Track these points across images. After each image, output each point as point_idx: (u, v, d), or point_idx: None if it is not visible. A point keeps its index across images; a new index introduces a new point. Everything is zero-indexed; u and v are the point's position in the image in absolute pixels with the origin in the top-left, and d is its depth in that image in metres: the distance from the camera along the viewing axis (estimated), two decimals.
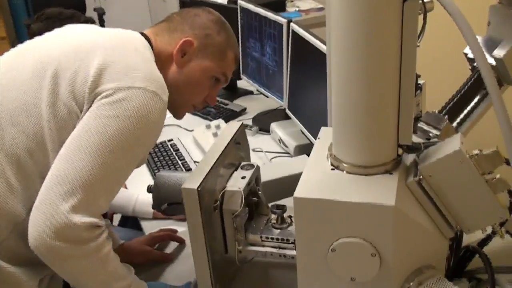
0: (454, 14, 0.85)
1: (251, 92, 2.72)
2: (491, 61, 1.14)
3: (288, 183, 1.69)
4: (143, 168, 2.01)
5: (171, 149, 2.12)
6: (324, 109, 1.75)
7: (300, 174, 1.71)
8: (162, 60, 1.28)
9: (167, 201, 1.25)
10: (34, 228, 1.03)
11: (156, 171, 1.96)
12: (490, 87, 0.89)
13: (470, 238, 1.18)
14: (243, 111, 2.52)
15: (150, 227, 1.69)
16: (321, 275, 1.05)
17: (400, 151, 1.05)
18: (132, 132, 1.10)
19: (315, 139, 1.88)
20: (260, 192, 1.28)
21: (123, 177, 1.15)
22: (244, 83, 2.66)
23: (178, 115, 1.38)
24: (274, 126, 2.22)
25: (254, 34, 2.31)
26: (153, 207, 1.29)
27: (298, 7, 3.82)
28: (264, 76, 2.34)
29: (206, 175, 1.11)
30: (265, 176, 1.64)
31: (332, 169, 1.06)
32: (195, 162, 2.03)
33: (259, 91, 2.51)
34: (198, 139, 2.19)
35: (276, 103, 2.36)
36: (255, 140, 2.24)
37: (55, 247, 1.03)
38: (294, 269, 1.07)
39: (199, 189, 1.08)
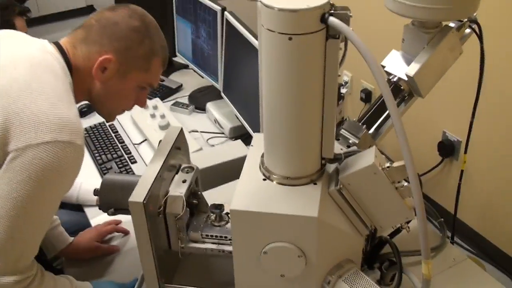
0: (358, 46, 0.95)
1: (186, 66, 2.78)
2: (404, 75, 1.28)
3: (225, 169, 1.83)
4: (84, 153, 2.07)
5: (110, 130, 2.19)
6: (257, 95, 1.86)
7: (236, 160, 1.85)
8: (81, 76, 1.25)
9: (113, 206, 1.35)
10: None
11: (96, 155, 2.04)
12: (390, 108, 0.98)
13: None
14: (179, 88, 2.60)
15: (93, 213, 1.78)
16: (255, 272, 1.19)
17: (323, 162, 1.19)
18: (48, 188, 1.11)
19: (247, 123, 2.01)
20: (200, 193, 1.39)
21: (46, 224, 1.18)
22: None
23: (108, 120, 1.41)
24: (209, 106, 2.32)
25: (189, 16, 2.37)
26: (100, 208, 1.38)
27: None
28: (200, 57, 2.42)
29: (151, 186, 1.21)
30: (203, 163, 1.76)
31: (264, 179, 1.19)
32: (134, 144, 2.12)
33: (194, 70, 2.58)
34: (136, 120, 2.27)
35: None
36: (191, 120, 2.34)
37: None
38: (231, 259, 1.21)
39: (144, 202, 1.17)
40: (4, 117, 1.07)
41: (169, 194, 1.28)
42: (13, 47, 1.21)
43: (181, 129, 1.42)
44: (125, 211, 1.31)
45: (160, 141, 1.38)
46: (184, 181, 1.32)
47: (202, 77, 2.48)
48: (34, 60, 1.17)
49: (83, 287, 1.33)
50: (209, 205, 1.36)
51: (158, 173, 1.24)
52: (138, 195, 1.18)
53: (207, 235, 1.32)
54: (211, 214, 1.34)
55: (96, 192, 1.39)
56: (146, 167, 1.28)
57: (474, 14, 1.28)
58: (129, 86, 1.30)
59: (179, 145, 1.40)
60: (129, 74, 1.28)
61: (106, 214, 1.72)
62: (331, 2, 1.00)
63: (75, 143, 1.11)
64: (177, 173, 1.36)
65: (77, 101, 1.26)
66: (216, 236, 1.31)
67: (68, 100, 1.15)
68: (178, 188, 1.30)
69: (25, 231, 1.11)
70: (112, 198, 1.35)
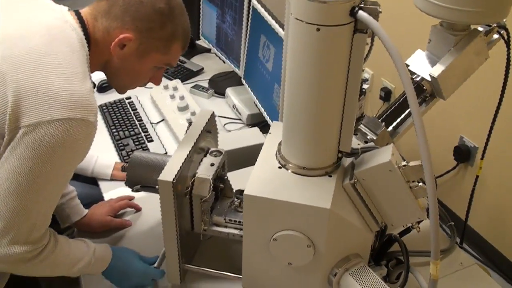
0: (385, 42, 0.95)
1: (208, 50, 2.79)
2: (428, 76, 1.27)
3: (240, 155, 1.84)
4: (102, 128, 2.09)
5: (129, 107, 2.21)
6: (277, 84, 1.87)
7: (251, 147, 1.86)
8: (99, 49, 1.24)
9: (140, 183, 1.36)
10: None
11: (114, 131, 2.05)
12: (412, 107, 0.97)
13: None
14: (200, 71, 2.61)
15: (107, 186, 1.81)
16: (263, 258, 1.21)
17: (340, 155, 1.20)
18: (59, 164, 1.11)
19: (266, 111, 2.02)
20: (226, 177, 1.40)
21: (58, 196, 1.19)
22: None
23: (119, 92, 1.40)
24: (229, 91, 2.33)
25: (215, 0, 2.37)
26: (126, 184, 1.39)
27: None
28: (223, 42, 2.42)
29: (181, 166, 1.21)
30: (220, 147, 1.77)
31: (279, 167, 1.20)
32: (151, 123, 2.14)
33: (216, 55, 2.58)
34: (155, 99, 2.28)
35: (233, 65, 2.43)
36: (210, 103, 2.35)
37: (4, 267, 1.17)
38: None
39: (174, 181, 1.18)
40: (16, 91, 1.06)
41: (196, 176, 1.28)
42: (31, 14, 1.19)
43: (213, 113, 1.42)
44: (151, 188, 1.34)
45: (191, 123, 1.39)
46: (212, 165, 1.33)
47: (224, 62, 2.49)
48: (51, 31, 1.16)
49: (101, 250, 1.33)
50: (234, 190, 1.36)
51: (188, 154, 1.25)
52: (168, 174, 1.19)
53: (230, 220, 1.33)
54: (236, 199, 1.35)
55: (124, 168, 1.40)
56: (176, 147, 1.29)
57: (504, 20, 1.27)
58: (146, 66, 1.30)
59: (210, 128, 1.41)
60: (148, 55, 1.27)
61: (119, 189, 1.76)
62: None
63: (87, 120, 1.10)
64: (205, 156, 1.37)
65: (92, 71, 1.25)
66: (239, 222, 1.32)
67: (82, 75, 1.14)
68: (206, 171, 1.30)
69: (36, 204, 1.13)
70: (139, 174, 1.36)
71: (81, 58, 1.17)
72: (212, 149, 1.39)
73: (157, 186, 1.21)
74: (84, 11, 1.26)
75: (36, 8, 1.22)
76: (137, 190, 1.37)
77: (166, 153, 1.96)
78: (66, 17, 1.21)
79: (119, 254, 1.37)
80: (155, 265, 1.42)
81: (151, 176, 1.30)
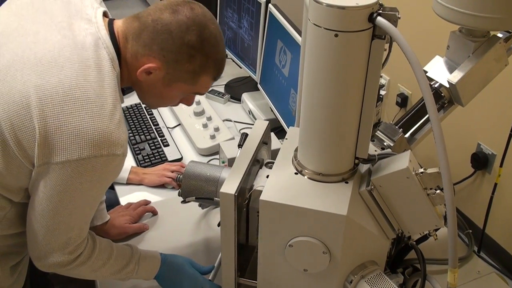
0: (404, 48, 0.95)
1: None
2: (446, 82, 1.27)
3: None
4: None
5: (146, 112, 2.22)
6: (294, 90, 1.86)
7: None
8: (128, 70, 1.22)
9: (194, 194, 1.35)
10: (33, 261, 1.24)
11: (131, 136, 2.06)
12: (431, 114, 0.98)
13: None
14: None
15: (123, 191, 1.82)
16: (278, 265, 1.20)
17: (357, 161, 1.19)
18: (88, 194, 1.16)
19: (281, 117, 2.02)
20: None
21: (90, 214, 1.24)
22: None
23: (152, 108, 1.41)
24: (245, 96, 2.33)
25: (233, 6, 2.37)
26: (180, 195, 1.38)
27: None
28: (239, 47, 2.42)
29: (242, 179, 1.19)
30: (234, 152, 1.77)
31: (295, 173, 1.20)
32: (168, 128, 2.15)
33: (232, 60, 2.58)
34: None
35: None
36: (226, 109, 2.36)
37: (50, 270, 1.25)
38: None
39: (236, 194, 1.16)
40: (44, 126, 1.06)
41: (254, 188, 1.26)
42: (66, 28, 1.16)
43: (268, 124, 1.41)
44: (206, 200, 1.34)
45: (245, 134, 1.39)
46: (267, 177, 1.27)
47: (240, 67, 2.49)
48: (83, 53, 1.12)
49: (148, 257, 1.37)
50: None
51: (248, 166, 1.24)
52: (230, 186, 1.17)
53: None
54: None
55: (178, 179, 1.40)
56: (236, 159, 1.27)
57: None
58: (173, 93, 1.28)
59: (266, 140, 1.40)
60: (174, 84, 1.24)
61: (135, 193, 1.78)
62: (380, 2, 1.00)
63: (114, 154, 1.11)
64: (260, 167, 1.35)
65: (123, 86, 1.24)
66: None
67: (112, 105, 1.11)
68: (263, 183, 1.26)
69: (68, 223, 1.18)
70: (194, 186, 1.36)
71: (112, 83, 1.14)
72: (267, 160, 1.36)
73: (215, 198, 1.21)
74: (117, 26, 1.22)
75: (70, 17, 1.19)
76: (187, 202, 1.36)
77: (181, 158, 1.97)
78: (100, 31, 1.18)
79: (170, 260, 1.40)
80: (210, 277, 1.42)
81: (206, 187, 1.30)
